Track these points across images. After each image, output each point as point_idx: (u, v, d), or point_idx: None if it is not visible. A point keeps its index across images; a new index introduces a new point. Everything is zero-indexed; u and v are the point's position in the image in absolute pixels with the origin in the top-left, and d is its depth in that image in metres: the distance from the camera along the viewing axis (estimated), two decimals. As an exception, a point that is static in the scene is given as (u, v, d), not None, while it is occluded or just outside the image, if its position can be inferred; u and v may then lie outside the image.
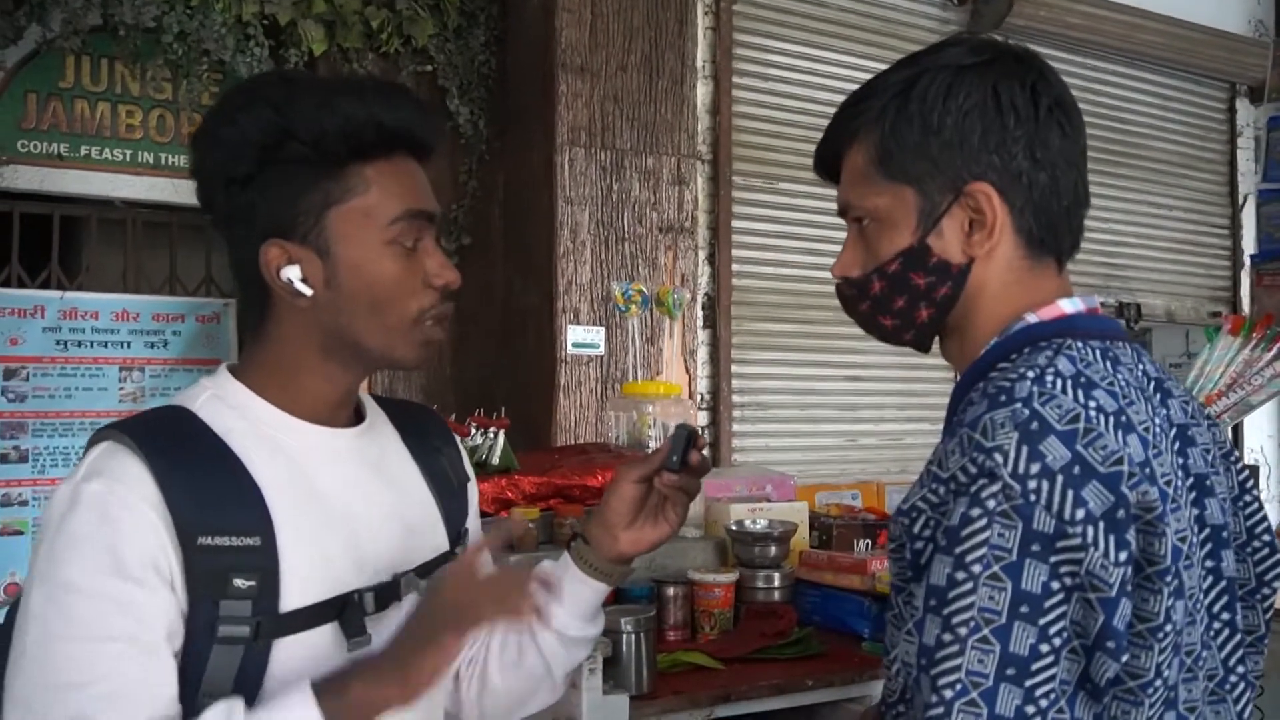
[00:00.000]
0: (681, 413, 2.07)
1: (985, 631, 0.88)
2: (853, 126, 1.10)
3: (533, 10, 3.53)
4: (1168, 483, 0.97)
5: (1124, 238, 4.59)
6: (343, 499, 1.09)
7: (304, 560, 1.02)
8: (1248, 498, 1.11)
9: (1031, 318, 1.06)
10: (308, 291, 1.05)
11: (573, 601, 1.20)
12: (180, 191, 3.48)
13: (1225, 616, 1.05)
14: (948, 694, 0.87)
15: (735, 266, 3.83)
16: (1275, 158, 1.76)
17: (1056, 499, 0.89)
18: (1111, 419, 0.95)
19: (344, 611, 1.04)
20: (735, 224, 3.83)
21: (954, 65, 1.05)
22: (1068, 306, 1.07)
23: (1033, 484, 0.89)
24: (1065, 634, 0.89)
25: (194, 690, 0.98)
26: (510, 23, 3.66)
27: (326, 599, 1.03)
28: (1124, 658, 0.91)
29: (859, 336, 4.03)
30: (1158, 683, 0.93)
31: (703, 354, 3.77)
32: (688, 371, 3.61)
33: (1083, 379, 0.98)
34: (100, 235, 3.45)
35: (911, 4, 4.17)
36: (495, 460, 1.75)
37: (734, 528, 1.77)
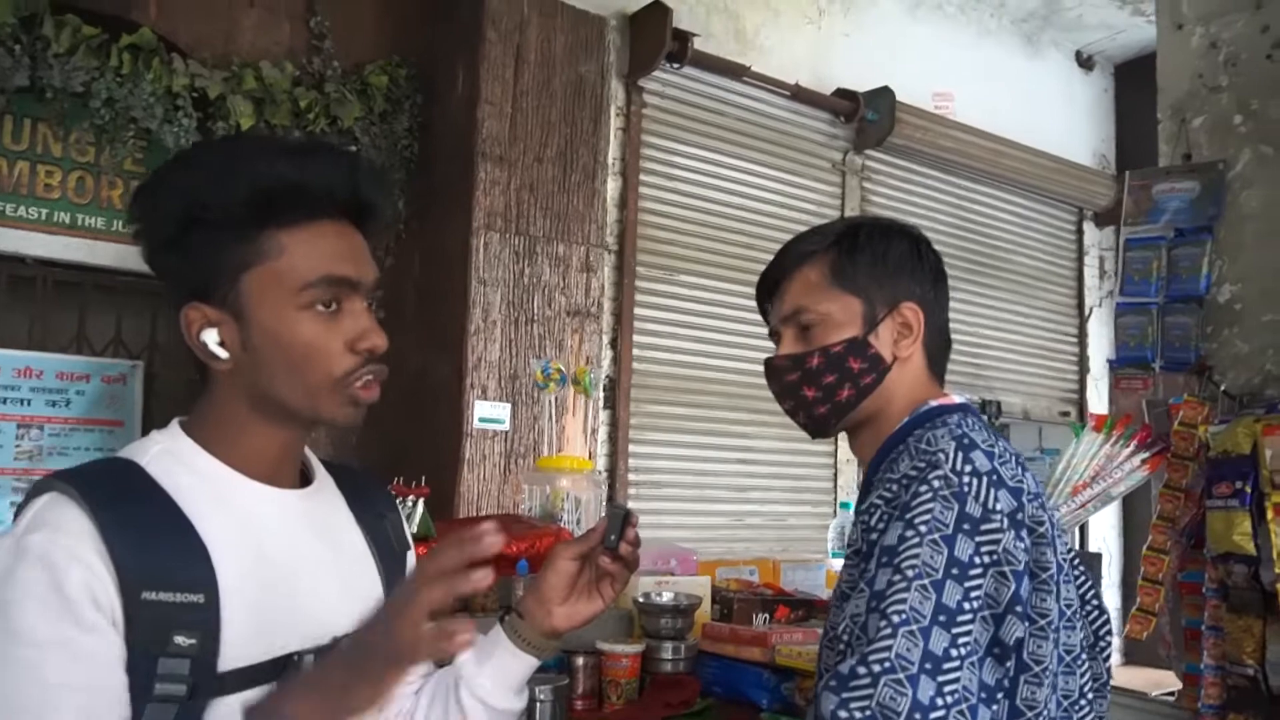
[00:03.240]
0: (593, 488, 2.09)
1: (925, 581, 1.05)
2: (806, 251, 1.33)
3: (456, 101, 3.58)
4: (1047, 519, 1.16)
5: (988, 341, 4.84)
6: (288, 560, 1.05)
7: (245, 620, 0.98)
8: (1077, 571, 1.28)
9: (934, 402, 1.29)
10: (223, 355, 1.02)
11: (502, 673, 1.17)
12: (95, 252, 3.38)
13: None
14: (895, 619, 1.03)
15: (635, 351, 3.90)
16: (1130, 274, 1.93)
17: (983, 493, 1.10)
18: (1011, 462, 1.19)
19: (282, 673, 1.00)
20: (637, 311, 3.91)
21: (881, 223, 1.35)
22: (958, 398, 1.31)
23: (966, 479, 1.11)
24: (981, 600, 1.06)
25: None
26: (433, 111, 3.70)
27: (265, 660, 0.99)
28: (1027, 625, 1.09)
29: (750, 421, 4.14)
30: (1051, 665, 1.11)
31: (602, 433, 3.80)
32: (588, 449, 3.63)
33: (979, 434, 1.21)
34: (8, 291, 3.31)
35: (803, 119, 4.37)
36: (414, 528, 1.73)
37: (641, 600, 1.78)
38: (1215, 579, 1.67)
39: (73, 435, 3.29)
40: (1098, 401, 5.13)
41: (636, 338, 3.91)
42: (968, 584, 1.05)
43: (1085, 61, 5.25)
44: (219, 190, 1.00)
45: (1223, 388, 1.80)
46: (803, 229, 3.86)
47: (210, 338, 1.02)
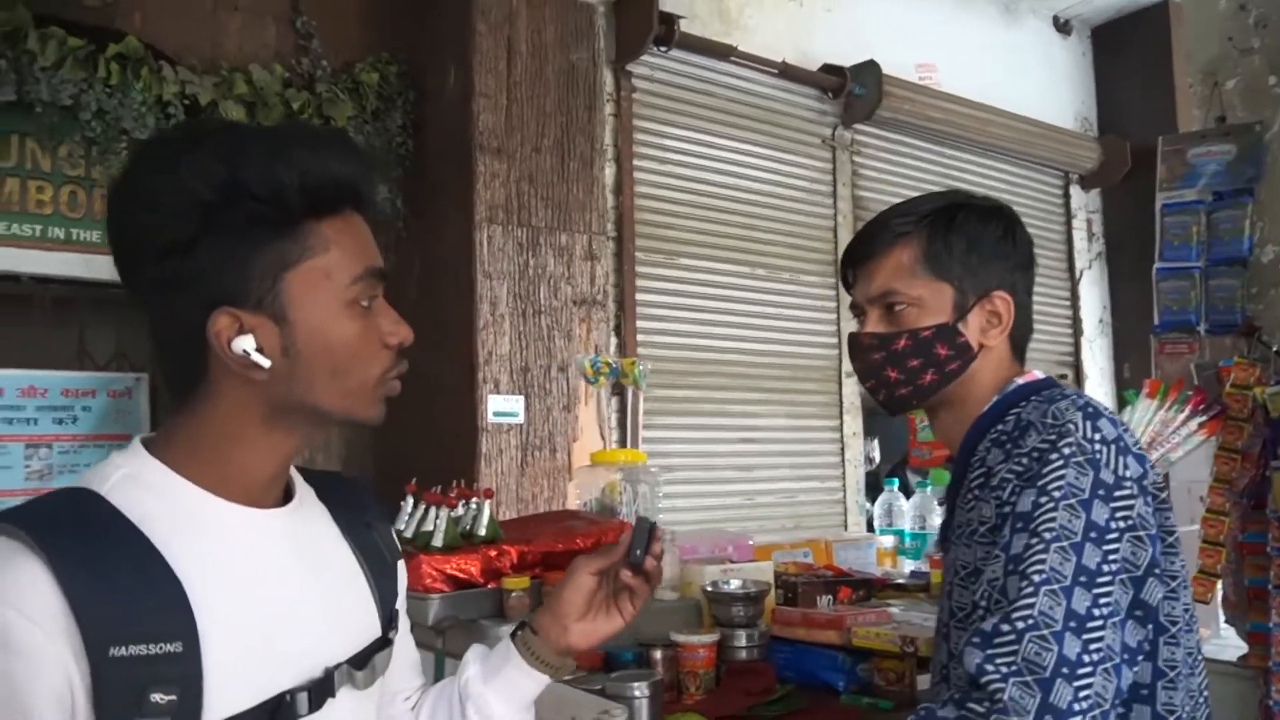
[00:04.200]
0: (648, 479, 2.06)
1: (1065, 544, 1.05)
2: (899, 230, 1.31)
3: (450, 95, 3.52)
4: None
5: (982, 308, 4.84)
6: (273, 591, 0.94)
7: (231, 664, 0.87)
8: None
9: (1020, 380, 1.29)
10: (266, 363, 0.91)
11: (512, 692, 1.12)
12: (91, 267, 3.29)
13: None
14: (1036, 578, 1.04)
15: (640, 337, 3.86)
16: (1170, 240, 1.94)
17: (1113, 461, 1.12)
18: (1129, 430, 1.20)
19: (274, 716, 0.91)
20: (639, 297, 3.87)
21: (981, 205, 1.33)
22: (1039, 374, 1.32)
23: (1098, 447, 1.12)
24: (1119, 564, 1.07)
25: None
26: (427, 107, 3.63)
27: (254, 705, 0.89)
28: (1167, 586, 1.11)
29: (755, 401, 4.15)
30: (1183, 625, 1.14)
31: (612, 420, 3.77)
32: (602, 437, 3.61)
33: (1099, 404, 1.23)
34: (6, 310, 3.22)
35: (791, 96, 4.34)
36: (482, 531, 1.69)
37: (710, 589, 1.76)
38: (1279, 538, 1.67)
39: (82, 452, 3.22)
40: (1092, 362, 5.16)
41: (640, 323, 3.87)
42: (1105, 547, 1.07)
43: (1063, 26, 5.25)
44: (263, 180, 0.89)
45: (1275, 348, 1.80)
46: (796, 206, 3.97)
47: (247, 345, 0.90)
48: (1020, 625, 1.02)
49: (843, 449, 4.39)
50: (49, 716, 0.80)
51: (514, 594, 1.60)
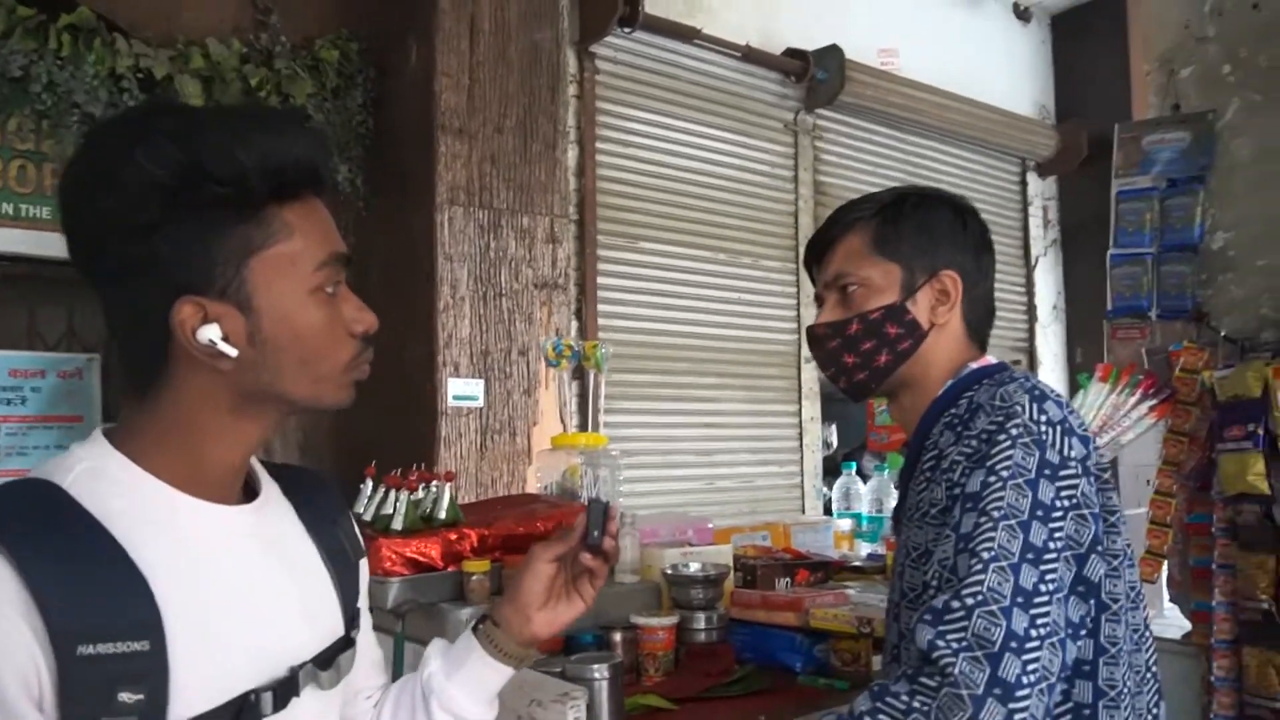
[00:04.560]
0: (609, 462, 2.06)
1: (1012, 521, 1.09)
2: (851, 219, 1.36)
3: (412, 74, 3.48)
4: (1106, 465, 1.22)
5: (939, 293, 4.89)
6: (238, 586, 0.92)
7: (196, 664, 0.85)
8: None
9: (974, 365, 1.32)
10: (232, 352, 0.88)
11: (476, 685, 1.11)
12: (42, 244, 3.21)
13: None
14: (985, 555, 1.07)
15: (601, 320, 3.85)
16: (1124, 226, 1.97)
17: (1058, 441, 1.15)
18: (1073, 411, 1.23)
19: (238, 716, 0.88)
20: (600, 280, 3.86)
21: (928, 193, 1.38)
22: (993, 359, 1.36)
23: (1044, 428, 1.15)
24: (1064, 541, 1.11)
25: None
26: (388, 85, 3.59)
27: (219, 705, 0.87)
28: (1109, 564, 1.15)
29: (715, 386, 4.16)
30: (1124, 603, 1.17)
31: (573, 404, 3.76)
32: (562, 421, 3.60)
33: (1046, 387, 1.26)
34: (-48, 288, 3.15)
35: (754, 80, 4.34)
36: (442, 514, 1.68)
37: (670, 571, 1.77)
38: (1225, 519, 1.71)
39: (31, 434, 3.16)
40: (1046, 348, 5.23)
41: (601, 307, 3.86)
42: (1051, 525, 1.10)
43: (1023, 14, 5.30)
44: (224, 163, 0.86)
45: (1222, 333, 1.84)
46: (758, 190, 4.01)
47: (212, 334, 0.88)
48: (970, 601, 1.05)
49: (801, 434, 4.42)
50: (14, 695, 0.78)
51: (474, 577, 1.59)
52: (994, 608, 1.04)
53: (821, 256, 1.39)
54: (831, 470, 4.63)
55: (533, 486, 3.34)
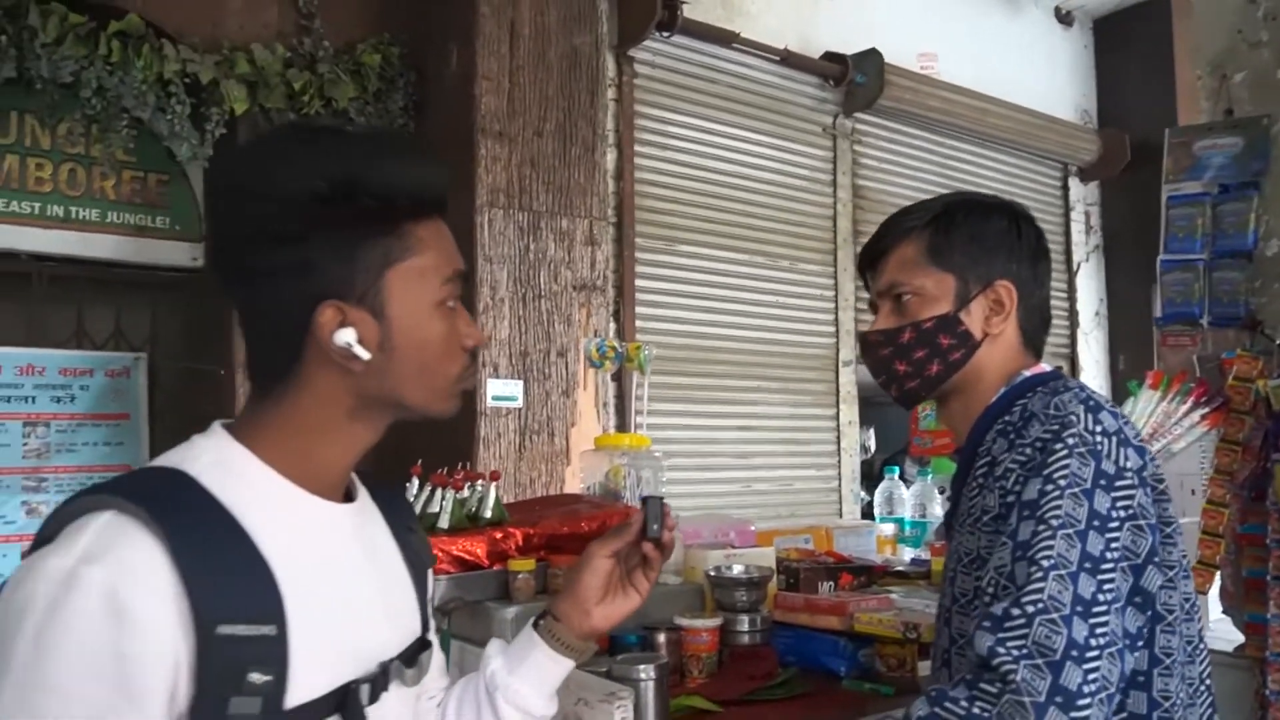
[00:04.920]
0: (652, 464, 2.07)
1: (1070, 530, 1.08)
2: (905, 227, 1.35)
3: (452, 78, 3.50)
4: (1164, 475, 1.23)
5: (979, 299, 4.85)
6: (344, 582, 0.97)
7: (311, 651, 0.89)
8: None
9: (1027, 373, 1.31)
10: (365, 355, 0.93)
11: (540, 679, 1.15)
12: (90, 245, 3.28)
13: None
14: (1045, 563, 1.06)
15: (639, 323, 3.86)
16: (1174, 232, 1.95)
17: (1114, 452, 1.14)
18: (1128, 422, 1.23)
19: (343, 705, 0.92)
20: (639, 283, 3.87)
21: (981, 201, 1.36)
22: (1047, 366, 1.35)
23: (1099, 439, 1.14)
24: (1120, 552, 1.10)
25: None
26: (428, 89, 3.62)
27: (328, 693, 0.91)
28: (1165, 575, 1.14)
29: (753, 388, 4.16)
30: (1179, 614, 1.16)
31: (611, 406, 3.77)
32: (600, 423, 3.61)
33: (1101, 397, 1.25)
34: (4, 288, 3.21)
35: (793, 84, 4.33)
36: (488, 513, 1.70)
37: (713, 573, 1.77)
38: None
39: (79, 431, 3.22)
40: (1088, 354, 5.18)
41: (639, 309, 3.87)
42: (1108, 535, 1.09)
43: (1064, 17, 5.25)
44: (374, 181, 0.93)
45: (1277, 341, 1.81)
46: (796, 194, 3.99)
47: (349, 337, 0.93)
48: (1030, 609, 1.04)
49: (839, 437, 4.40)
50: (156, 690, 0.80)
51: (520, 576, 1.60)
52: (1055, 616, 1.03)
53: (875, 264, 1.38)
54: (868, 475, 4.61)
55: (571, 487, 3.34)
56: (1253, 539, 1.77)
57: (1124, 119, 5.13)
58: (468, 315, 1.02)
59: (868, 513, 4.03)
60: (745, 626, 1.71)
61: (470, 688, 1.17)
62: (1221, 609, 1.88)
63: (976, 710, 1.02)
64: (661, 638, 1.63)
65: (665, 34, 3.89)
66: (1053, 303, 5.14)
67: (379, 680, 0.97)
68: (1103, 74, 5.31)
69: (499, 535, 1.64)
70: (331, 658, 0.93)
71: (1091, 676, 1.01)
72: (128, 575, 0.80)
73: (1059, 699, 1.00)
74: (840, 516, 4.27)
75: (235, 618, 0.83)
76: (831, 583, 1.83)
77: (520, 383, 3.43)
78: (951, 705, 1.04)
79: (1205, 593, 1.77)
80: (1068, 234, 5.21)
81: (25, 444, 3.13)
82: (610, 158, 3.79)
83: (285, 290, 0.94)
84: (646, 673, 1.38)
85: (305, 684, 0.88)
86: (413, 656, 1.03)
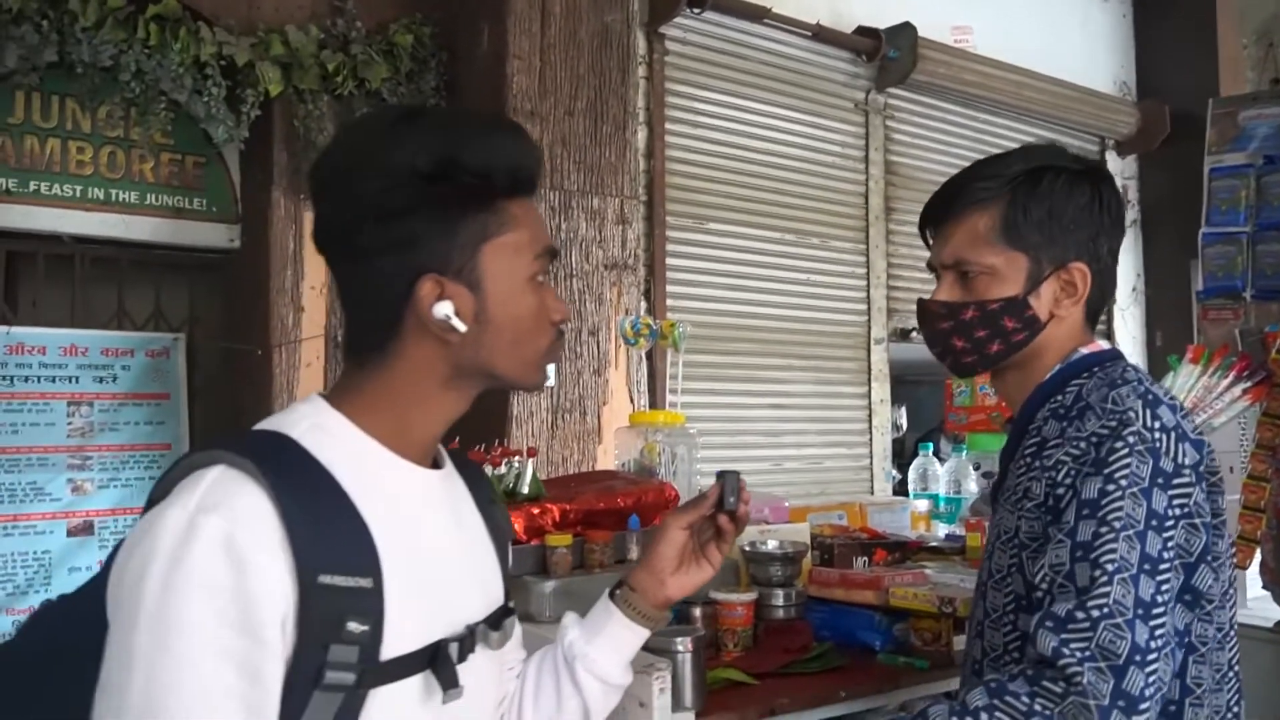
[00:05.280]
0: (686, 441, 2.08)
1: (1130, 532, 1.08)
2: (979, 195, 1.25)
3: (484, 57, 3.51)
4: (1218, 467, 1.22)
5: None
6: (435, 544, 1.02)
7: (405, 606, 0.94)
8: None
9: (1084, 350, 1.28)
10: (461, 327, 0.98)
11: (617, 647, 1.18)
12: (131, 228, 3.33)
13: None
14: (1110, 567, 1.06)
15: (670, 301, 3.87)
16: (1217, 205, 1.92)
17: (1173, 449, 1.12)
18: (1187, 414, 1.21)
19: (434, 661, 0.97)
20: (670, 261, 3.87)
21: (1070, 168, 1.25)
22: (1104, 344, 1.32)
23: (1158, 435, 1.12)
24: (1175, 551, 1.10)
25: None
26: (460, 69, 3.62)
27: (420, 648, 0.96)
28: (1216, 574, 1.14)
29: (783, 367, 4.15)
30: (1217, 602, 1.16)
31: (643, 384, 3.78)
32: (631, 401, 3.62)
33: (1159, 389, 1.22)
34: (47, 270, 3.26)
35: (825, 60, 4.30)
36: (525, 489, 1.72)
37: (748, 549, 1.78)
38: (1321, 504, 1.67)
39: (122, 410, 3.27)
40: (1124, 330, 5.12)
41: (670, 288, 3.87)
42: (1165, 535, 1.09)
43: (1102, -12, 5.16)
44: (478, 158, 0.97)
45: (1321, 314, 1.79)
46: (828, 170, 3.90)
47: (447, 309, 0.97)
48: (1095, 614, 1.05)
49: (870, 415, 4.39)
50: (271, 626, 0.86)
51: (558, 550, 1.62)
52: (1119, 620, 1.04)
53: (941, 226, 1.30)
54: (899, 453, 4.59)
55: (603, 464, 3.36)
56: (1294, 514, 1.75)
57: (1164, 90, 5.04)
58: (554, 291, 1.06)
59: (899, 491, 4.03)
60: (780, 601, 1.72)
61: (548, 658, 1.21)
62: (1261, 584, 1.86)
63: (1038, 707, 1.03)
64: (697, 611, 1.64)
65: (696, 10, 3.88)
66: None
67: (467, 641, 1.00)
68: (1142, 44, 5.21)
69: (536, 511, 1.66)
70: (423, 615, 0.96)
71: (1152, 679, 1.03)
72: (241, 523, 0.86)
73: (1122, 703, 1.01)
74: (871, 494, 4.26)
75: (335, 569, 0.88)
76: (866, 558, 1.84)
77: (552, 362, 3.45)
78: (1013, 700, 1.05)
79: (1245, 568, 1.76)
80: (1104, 209, 5.14)
81: (70, 423, 3.19)
82: (641, 136, 3.79)
83: (389, 264, 0.98)
84: (684, 645, 1.39)
85: (399, 637, 0.92)
86: (498, 621, 1.06)
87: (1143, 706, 1.01)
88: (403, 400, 1.01)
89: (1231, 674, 1.21)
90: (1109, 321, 5.08)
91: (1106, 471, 1.11)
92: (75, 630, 0.91)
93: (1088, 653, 1.03)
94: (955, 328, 1.28)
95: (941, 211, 1.30)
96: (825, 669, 1.59)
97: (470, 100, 3.58)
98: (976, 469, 2.29)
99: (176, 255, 3.44)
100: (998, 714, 1.04)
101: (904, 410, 4.58)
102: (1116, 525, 1.08)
